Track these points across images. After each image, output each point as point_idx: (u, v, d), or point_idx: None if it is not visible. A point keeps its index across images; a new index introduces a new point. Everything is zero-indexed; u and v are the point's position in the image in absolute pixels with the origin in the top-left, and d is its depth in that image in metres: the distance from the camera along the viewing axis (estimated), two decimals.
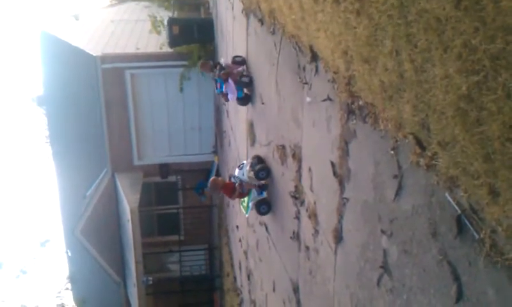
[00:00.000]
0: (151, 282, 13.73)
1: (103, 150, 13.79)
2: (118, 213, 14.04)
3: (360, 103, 3.48)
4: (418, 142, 2.64)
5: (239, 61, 8.05)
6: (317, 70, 4.42)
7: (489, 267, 2.18)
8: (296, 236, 5.54)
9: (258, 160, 7.13)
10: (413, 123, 2.65)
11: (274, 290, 7.06)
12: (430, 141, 2.51)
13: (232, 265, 12.21)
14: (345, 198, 3.91)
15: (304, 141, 5.05)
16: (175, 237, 15.62)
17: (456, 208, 2.37)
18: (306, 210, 5.07)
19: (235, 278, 11.89)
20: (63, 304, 17.60)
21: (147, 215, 15.04)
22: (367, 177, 3.46)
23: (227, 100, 8.34)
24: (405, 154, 2.87)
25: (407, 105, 2.65)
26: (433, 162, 2.52)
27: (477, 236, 2.24)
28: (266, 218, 7.14)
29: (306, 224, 5.10)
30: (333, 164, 4.13)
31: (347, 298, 3.99)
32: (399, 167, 2.97)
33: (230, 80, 7.66)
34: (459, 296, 2.41)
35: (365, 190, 3.50)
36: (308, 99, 4.75)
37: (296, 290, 5.73)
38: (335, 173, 4.10)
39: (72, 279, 16.34)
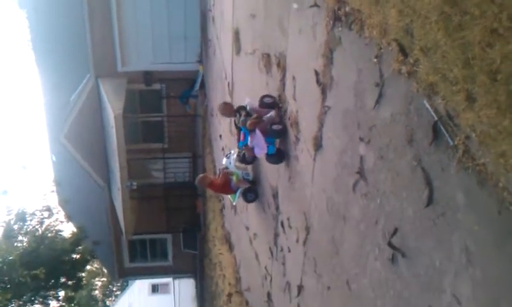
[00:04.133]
0: (135, 187, 13.96)
1: (85, 54, 13.48)
2: (103, 120, 13.98)
3: (347, 9, 3.42)
4: (401, 49, 2.63)
5: (269, 103, 5.72)
6: None
7: (461, 172, 2.25)
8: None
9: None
10: (397, 29, 2.63)
11: None
12: (413, 48, 2.50)
13: (214, 173, 12.41)
14: (327, 106, 3.94)
15: (290, 49, 4.98)
16: (159, 145, 15.72)
17: (433, 114, 2.41)
18: (289, 119, 5.10)
19: None
20: (48, 205, 17.81)
21: (131, 123, 15.01)
22: (349, 85, 3.47)
23: (253, 155, 6.31)
24: (388, 62, 2.87)
25: (393, 10, 2.62)
26: (414, 68, 2.52)
27: (451, 143, 2.30)
28: None
29: (288, 132, 5.16)
30: (316, 72, 4.12)
31: (323, 202, 4.12)
32: (381, 75, 2.97)
33: (258, 131, 5.62)
34: (430, 200, 2.51)
35: (347, 98, 3.52)
36: (295, 5, 4.64)
37: (275, 195, 5.89)
38: (318, 81, 4.10)
39: (57, 181, 16.48)
